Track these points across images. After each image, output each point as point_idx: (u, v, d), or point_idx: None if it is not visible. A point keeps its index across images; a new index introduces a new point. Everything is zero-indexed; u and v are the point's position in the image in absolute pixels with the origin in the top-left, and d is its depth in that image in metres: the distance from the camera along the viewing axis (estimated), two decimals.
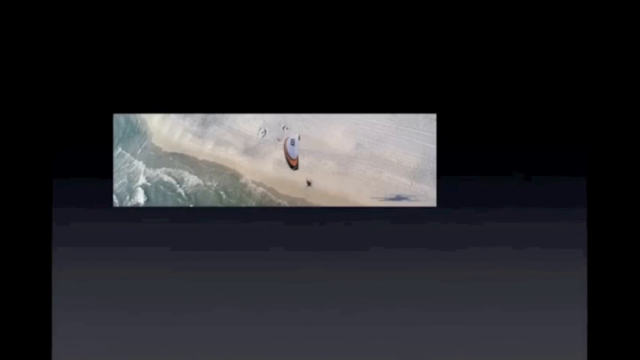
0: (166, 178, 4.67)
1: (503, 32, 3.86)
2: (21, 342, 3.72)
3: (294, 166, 4.05)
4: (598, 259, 3.79)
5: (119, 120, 4.03)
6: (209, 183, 4.47)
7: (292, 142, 4.01)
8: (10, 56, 3.77)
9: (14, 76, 3.77)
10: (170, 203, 4.48)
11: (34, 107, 3.78)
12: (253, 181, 4.43)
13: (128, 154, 4.69)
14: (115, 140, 3.98)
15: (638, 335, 3.73)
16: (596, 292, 3.77)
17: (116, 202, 4.11)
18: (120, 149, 4.34)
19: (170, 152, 4.71)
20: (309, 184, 4.12)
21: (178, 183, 4.59)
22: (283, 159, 4.07)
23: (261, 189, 4.39)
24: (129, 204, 4.35)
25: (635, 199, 3.76)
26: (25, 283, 3.72)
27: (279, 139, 4.07)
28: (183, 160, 4.04)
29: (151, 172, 4.67)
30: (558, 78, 3.87)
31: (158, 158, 4.81)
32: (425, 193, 3.99)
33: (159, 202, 4.51)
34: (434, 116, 3.91)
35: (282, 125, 4.30)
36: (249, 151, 4.27)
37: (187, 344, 3.91)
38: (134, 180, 4.66)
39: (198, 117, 4.39)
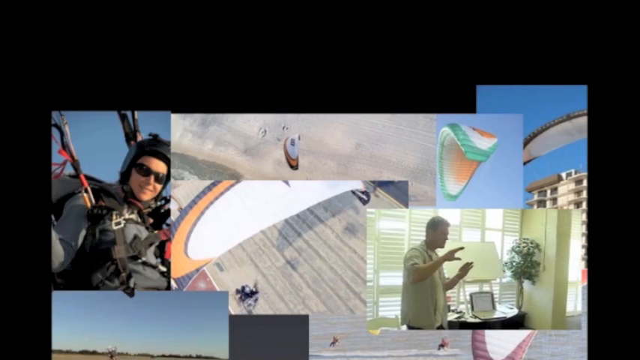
0: None
1: (502, 32, 3.86)
2: (21, 341, 3.72)
3: (294, 166, 4.05)
4: (598, 257, 3.79)
5: None
6: None
7: (292, 142, 4.01)
8: (10, 56, 3.77)
9: (14, 76, 3.78)
10: None
11: (34, 107, 3.78)
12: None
13: None
14: None
15: (638, 335, 3.72)
16: (596, 293, 3.77)
17: None
18: None
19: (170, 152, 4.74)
20: None
21: None
22: (283, 159, 4.08)
23: None
24: None
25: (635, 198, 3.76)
26: (25, 283, 3.72)
27: (279, 139, 4.09)
28: (183, 160, 4.06)
29: None
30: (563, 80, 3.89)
31: None
32: (425, 193, 4.00)
33: None
34: (434, 116, 3.91)
35: (282, 125, 4.31)
36: (249, 151, 4.29)
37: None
38: None
39: (198, 117, 4.40)
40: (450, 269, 3.80)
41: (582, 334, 3.81)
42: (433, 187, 3.93)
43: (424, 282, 3.75)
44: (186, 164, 4.20)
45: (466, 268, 3.75)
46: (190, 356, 3.82)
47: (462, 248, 3.68)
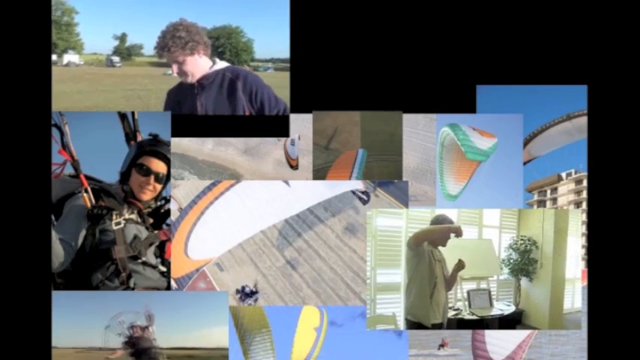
0: None
1: (502, 33, 3.86)
2: (21, 341, 3.72)
3: (294, 166, 4.05)
4: (598, 256, 3.81)
5: None
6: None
7: (292, 142, 4.01)
8: (10, 56, 3.76)
9: (14, 76, 3.76)
10: None
11: (34, 107, 3.77)
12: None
13: None
14: None
15: (638, 335, 3.74)
16: (597, 293, 3.79)
17: None
18: None
19: (170, 152, 4.72)
20: None
21: None
22: (283, 159, 4.08)
23: None
24: None
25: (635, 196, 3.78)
26: (25, 283, 3.71)
27: (279, 139, 4.08)
28: (183, 160, 4.04)
29: None
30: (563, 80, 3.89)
31: None
32: (425, 193, 4.00)
33: None
34: (434, 116, 3.91)
35: None
36: (249, 151, 4.27)
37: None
38: None
39: None
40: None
41: (582, 334, 3.83)
42: (433, 187, 3.93)
43: (423, 274, 3.77)
44: (186, 164, 4.15)
45: (460, 264, 3.83)
46: (190, 356, 3.82)
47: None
